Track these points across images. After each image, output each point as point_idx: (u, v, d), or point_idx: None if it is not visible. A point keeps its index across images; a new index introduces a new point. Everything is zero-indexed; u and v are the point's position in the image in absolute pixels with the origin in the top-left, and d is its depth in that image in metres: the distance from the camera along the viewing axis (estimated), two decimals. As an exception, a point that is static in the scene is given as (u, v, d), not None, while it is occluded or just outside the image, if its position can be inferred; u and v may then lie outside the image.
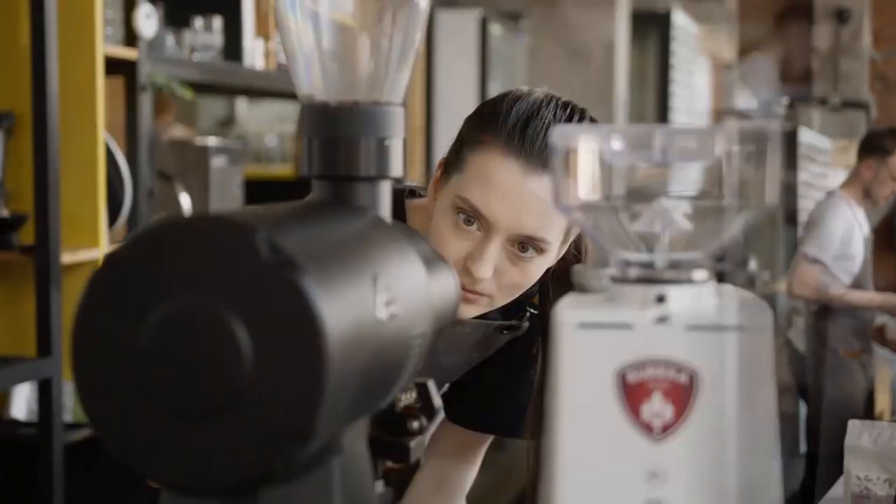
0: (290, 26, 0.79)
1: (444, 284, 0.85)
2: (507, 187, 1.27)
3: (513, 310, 1.46)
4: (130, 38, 2.86)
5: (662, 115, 7.75)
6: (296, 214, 0.70)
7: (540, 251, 1.30)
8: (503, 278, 1.31)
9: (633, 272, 0.71)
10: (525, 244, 1.30)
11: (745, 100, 5.85)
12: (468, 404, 1.55)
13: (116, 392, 0.63)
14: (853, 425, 1.99)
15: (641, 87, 7.68)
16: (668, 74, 7.69)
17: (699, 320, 0.68)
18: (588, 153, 0.70)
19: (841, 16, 9.16)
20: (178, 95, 3.12)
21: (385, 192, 0.80)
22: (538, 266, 1.32)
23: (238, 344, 0.60)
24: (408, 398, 0.87)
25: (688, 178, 0.71)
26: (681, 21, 7.76)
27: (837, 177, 8.79)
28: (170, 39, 3.15)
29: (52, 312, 2.50)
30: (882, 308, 4.74)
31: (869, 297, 4.72)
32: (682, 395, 0.68)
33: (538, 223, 1.28)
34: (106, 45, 2.74)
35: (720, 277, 0.72)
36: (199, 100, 4.98)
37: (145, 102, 2.90)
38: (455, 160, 1.33)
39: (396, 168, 0.80)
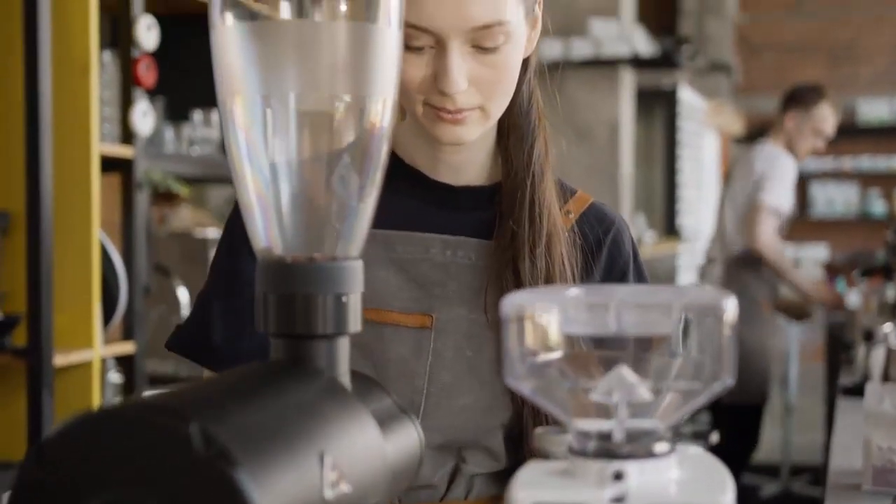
0: (245, 175, 0.77)
1: (404, 440, 0.83)
2: None
3: None
4: (128, 134, 2.86)
5: (670, 189, 7.74)
6: (239, 390, 0.68)
7: (504, 37, 1.18)
8: (482, 83, 1.19)
9: (591, 445, 0.68)
10: (485, 39, 1.17)
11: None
12: None
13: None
14: (872, 388, 1.80)
15: (649, 163, 7.69)
16: (676, 150, 7.70)
17: (658, 499, 0.65)
18: (541, 321, 0.68)
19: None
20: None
21: (343, 349, 0.78)
22: (510, 55, 1.20)
23: (170, 541, 0.58)
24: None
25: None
26: (687, 96, 7.78)
27: (710, 137, 8.81)
28: (169, 133, 3.16)
29: (44, 416, 2.48)
30: (810, 297, 4.73)
31: (807, 284, 4.75)
32: (641, 580, 0.65)
33: (484, 7, 1.16)
34: (103, 144, 2.74)
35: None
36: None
37: (141, 199, 2.90)
38: None
39: (355, 324, 0.78)
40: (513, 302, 0.68)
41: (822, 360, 5.41)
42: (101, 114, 2.79)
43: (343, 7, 0.75)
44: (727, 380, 0.67)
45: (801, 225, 9.73)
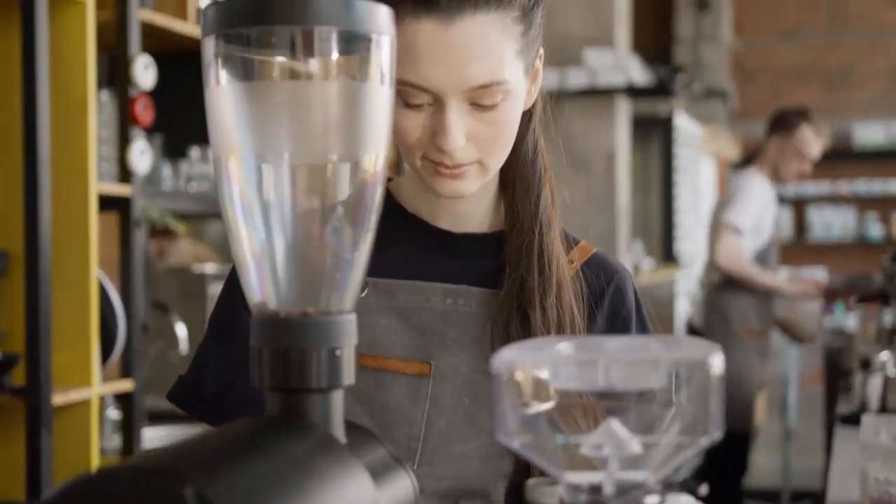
0: (239, 232, 0.78)
1: (399, 492, 0.83)
2: (432, 48, 1.15)
3: None
4: (125, 172, 2.88)
5: (667, 215, 7.76)
6: (233, 447, 0.69)
7: (503, 95, 1.18)
8: (480, 139, 1.20)
9: (582, 498, 0.69)
10: (483, 97, 1.17)
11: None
12: None
13: None
14: (868, 420, 1.79)
15: (645, 191, 7.71)
16: (672, 176, 7.72)
17: (648, 553, 0.66)
18: (531, 378, 0.69)
19: (701, 3, 9.19)
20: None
21: (337, 402, 0.79)
22: (509, 111, 1.21)
23: None
24: None
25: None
26: (683, 123, 7.81)
27: (707, 163, 8.82)
28: (166, 170, 3.17)
29: (42, 456, 2.48)
30: (795, 296, 4.72)
31: (782, 283, 4.72)
32: None
33: (481, 68, 1.16)
34: (100, 183, 2.75)
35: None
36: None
37: (139, 237, 2.91)
38: None
39: (349, 377, 0.79)
40: (503, 359, 0.69)
41: (822, 384, 5.42)
42: (99, 152, 2.80)
43: (335, 66, 0.76)
44: (715, 433, 0.68)
45: (799, 249, 9.76)
